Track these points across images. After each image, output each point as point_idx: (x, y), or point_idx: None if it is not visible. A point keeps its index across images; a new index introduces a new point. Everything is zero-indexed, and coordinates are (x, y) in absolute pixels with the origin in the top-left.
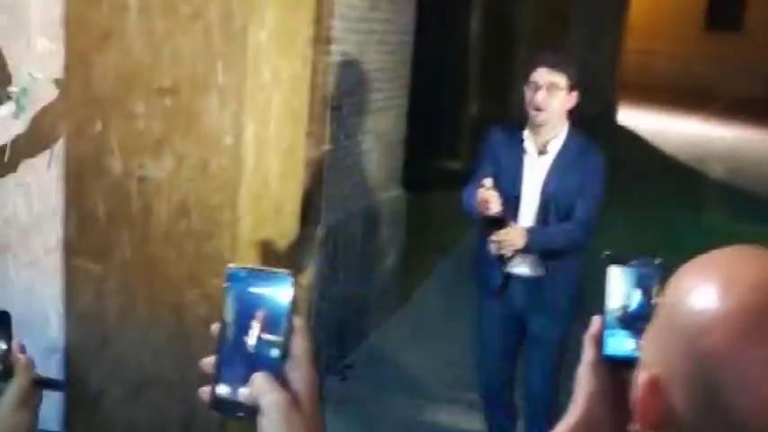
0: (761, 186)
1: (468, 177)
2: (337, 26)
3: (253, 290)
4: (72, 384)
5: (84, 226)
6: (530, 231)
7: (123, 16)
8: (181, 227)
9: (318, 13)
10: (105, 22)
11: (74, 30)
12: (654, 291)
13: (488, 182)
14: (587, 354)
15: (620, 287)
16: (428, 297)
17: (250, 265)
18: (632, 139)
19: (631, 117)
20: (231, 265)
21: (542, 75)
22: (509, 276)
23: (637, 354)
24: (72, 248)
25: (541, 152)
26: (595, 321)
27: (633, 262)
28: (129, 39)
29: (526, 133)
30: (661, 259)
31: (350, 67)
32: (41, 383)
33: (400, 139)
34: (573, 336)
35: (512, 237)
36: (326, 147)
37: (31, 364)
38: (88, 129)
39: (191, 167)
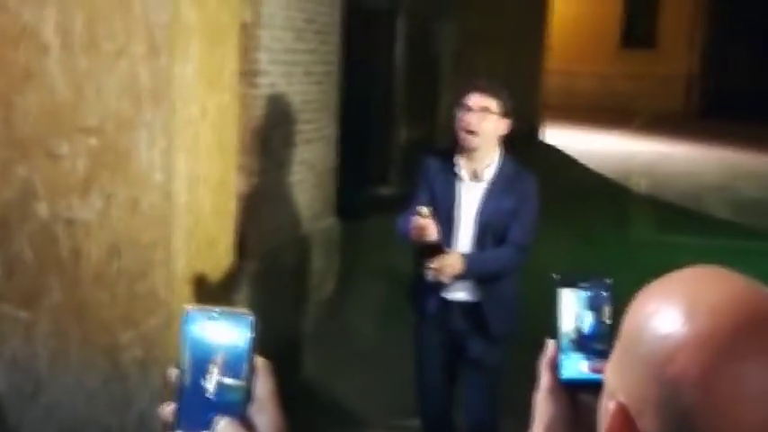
0: (683, 198)
1: (400, 202)
2: (263, 59)
3: (211, 332)
4: None
5: (10, 272)
6: (466, 257)
7: (44, 55)
8: (112, 268)
9: (244, 46)
10: (25, 61)
11: None
12: (606, 311)
13: (425, 210)
14: (544, 379)
15: (571, 309)
16: (365, 324)
17: (208, 307)
18: (557, 157)
19: (555, 136)
20: (188, 307)
21: (475, 99)
22: (446, 302)
23: (594, 376)
24: None
25: (475, 178)
26: (550, 346)
27: (583, 284)
28: (50, 78)
29: (459, 159)
30: (611, 279)
31: (277, 99)
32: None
33: (331, 168)
34: (511, 359)
35: (449, 263)
36: (258, 179)
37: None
38: (11, 172)
39: (120, 207)
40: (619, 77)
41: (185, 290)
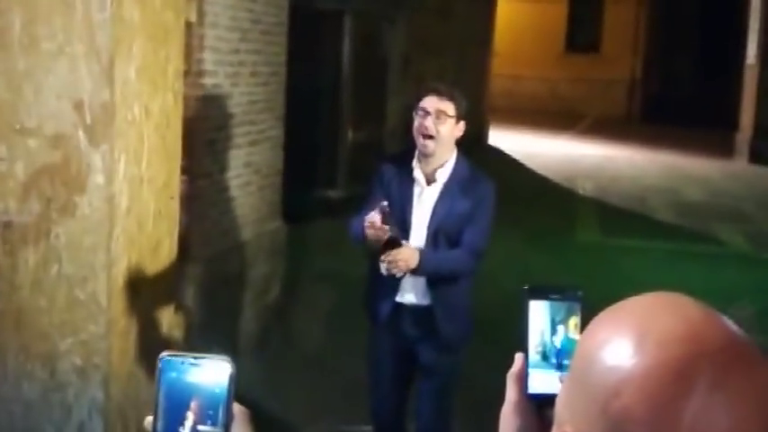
0: (627, 201)
1: (347, 205)
2: (208, 59)
3: (187, 378)
4: None
5: None
6: (421, 252)
7: None
8: (51, 273)
9: (188, 46)
10: None
11: None
12: (573, 324)
13: (385, 204)
14: (510, 393)
15: (540, 322)
16: (311, 329)
17: (183, 353)
18: (503, 161)
19: (502, 139)
20: (164, 354)
21: (432, 102)
22: (399, 306)
23: None
24: None
25: (430, 181)
26: (518, 359)
27: (553, 295)
28: None
29: (415, 162)
30: (581, 292)
31: (222, 100)
32: None
33: (277, 171)
34: (464, 365)
35: (403, 255)
36: (202, 182)
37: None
38: None
39: (60, 210)
40: (563, 81)
41: (127, 295)
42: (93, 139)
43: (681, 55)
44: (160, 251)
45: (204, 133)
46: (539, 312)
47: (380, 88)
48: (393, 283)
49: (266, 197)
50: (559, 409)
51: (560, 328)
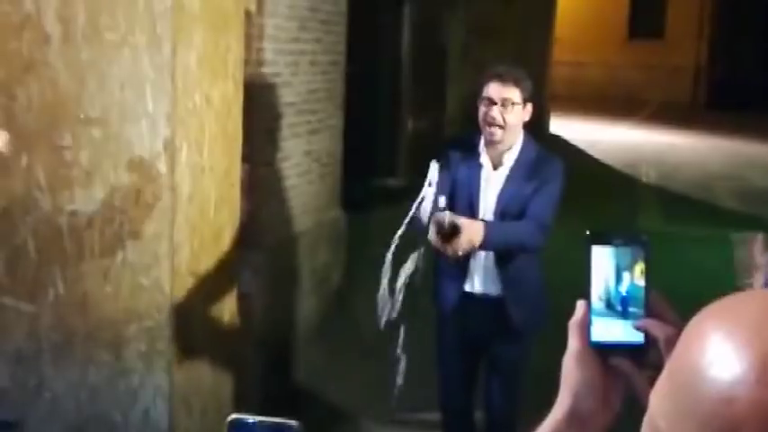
0: (691, 189)
1: (407, 193)
2: (268, 48)
3: None
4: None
5: (13, 264)
6: (487, 225)
7: (45, 46)
8: (116, 261)
9: (247, 35)
10: (27, 52)
11: None
12: (640, 270)
13: (443, 200)
14: (572, 342)
15: (603, 268)
16: (371, 317)
17: (251, 416)
18: (565, 148)
19: (563, 128)
20: (234, 416)
21: (496, 90)
22: (467, 296)
23: (626, 340)
24: (1, 288)
25: (496, 165)
26: (580, 306)
27: (617, 241)
28: (52, 69)
29: (482, 147)
30: (646, 236)
31: (283, 89)
32: None
33: (337, 160)
34: (533, 352)
35: (467, 234)
36: (263, 170)
37: None
38: (14, 163)
39: (123, 198)
40: (626, 68)
41: (190, 282)
42: (155, 128)
43: (746, 40)
44: (222, 239)
45: (264, 122)
46: (602, 258)
47: (440, 76)
48: (461, 273)
49: (326, 186)
50: (653, 402)
51: (625, 274)
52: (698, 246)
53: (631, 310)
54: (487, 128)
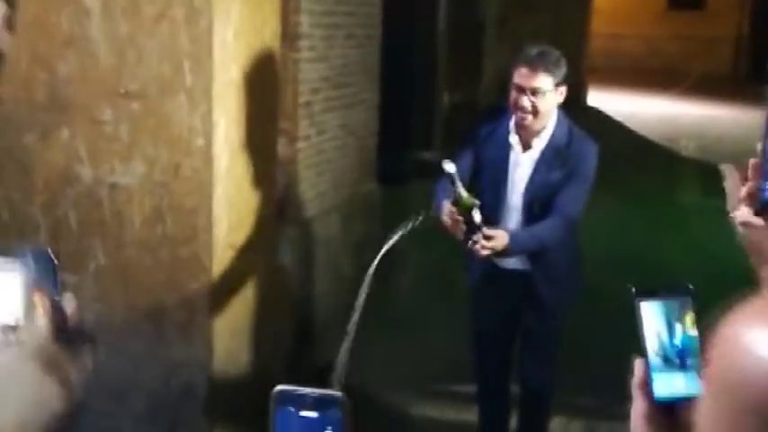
0: (731, 162)
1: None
2: (304, 21)
3: (303, 414)
4: None
5: (56, 235)
6: (512, 235)
7: (85, 20)
8: (156, 232)
9: (284, 8)
10: (67, 26)
11: (34, 36)
12: (690, 320)
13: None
14: (637, 404)
15: (654, 323)
16: (408, 291)
17: (297, 388)
18: (602, 121)
19: (601, 100)
20: (280, 387)
21: (525, 78)
22: (497, 270)
23: (690, 392)
24: None
25: (526, 147)
26: (638, 366)
27: (663, 293)
28: (92, 43)
29: (512, 126)
30: (691, 285)
31: (318, 63)
32: (68, 334)
33: (372, 133)
34: (570, 322)
35: (493, 243)
36: (299, 144)
37: (54, 306)
38: (55, 136)
39: (162, 171)
40: (666, 39)
41: (227, 256)
42: (193, 102)
43: None
44: (259, 212)
45: (300, 96)
46: (650, 312)
47: (476, 49)
48: None
49: (362, 159)
50: (699, 425)
51: (677, 326)
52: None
53: (689, 361)
54: (518, 112)
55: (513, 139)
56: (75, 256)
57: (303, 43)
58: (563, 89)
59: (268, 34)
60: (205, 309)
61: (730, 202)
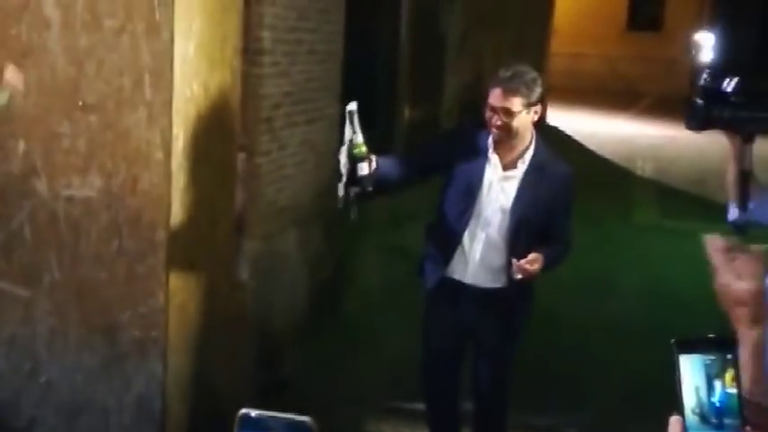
0: (687, 183)
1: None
2: (266, 37)
3: None
4: (1, 412)
5: (9, 248)
6: (545, 258)
7: (44, 32)
8: (112, 247)
9: (246, 24)
10: (25, 38)
11: None
12: (730, 377)
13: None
14: None
15: (694, 378)
16: (367, 305)
17: (262, 412)
18: (562, 140)
19: (561, 119)
20: (244, 411)
21: (497, 98)
22: (455, 283)
23: None
24: None
25: (508, 167)
26: (674, 424)
27: (703, 346)
28: (51, 55)
29: (490, 143)
30: (732, 339)
31: (280, 78)
32: None
33: (333, 149)
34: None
35: (536, 266)
36: (259, 159)
37: None
38: (11, 148)
39: (120, 185)
40: (625, 60)
41: (185, 271)
42: (153, 116)
43: (745, 32)
44: (218, 228)
45: (262, 111)
46: (690, 367)
47: (438, 65)
48: (444, 260)
49: (322, 175)
50: None
51: (716, 382)
52: (692, 240)
53: (726, 421)
54: (493, 130)
55: (494, 157)
56: (29, 269)
57: (265, 59)
58: (537, 109)
59: (229, 49)
60: (161, 325)
61: (714, 270)
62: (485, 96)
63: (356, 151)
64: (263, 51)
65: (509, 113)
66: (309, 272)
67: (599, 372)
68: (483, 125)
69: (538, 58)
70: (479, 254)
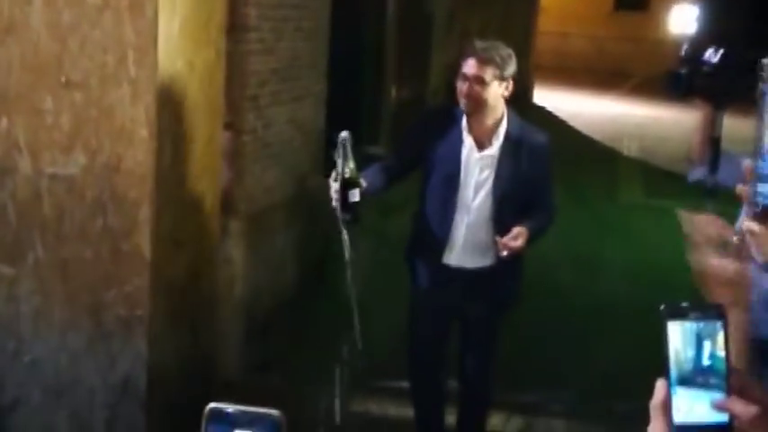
0: (672, 163)
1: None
2: (252, 13)
3: None
4: None
5: None
6: (528, 229)
7: (26, 8)
8: (96, 225)
9: (231, 0)
10: (7, 14)
11: None
12: (719, 341)
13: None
14: (655, 425)
15: (681, 344)
16: (354, 285)
17: (231, 405)
18: (548, 119)
19: (547, 98)
20: (212, 405)
21: (471, 66)
22: (444, 267)
23: (712, 419)
24: None
25: (483, 146)
26: (659, 387)
27: (693, 313)
28: (33, 31)
29: (464, 125)
30: (723, 307)
31: (266, 56)
32: None
33: (320, 128)
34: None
35: (519, 242)
36: (245, 137)
37: None
38: None
39: (104, 163)
40: (611, 40)
41: (170, 249)
42: (137, 93)
43: (733, 15)
44: (203, 206)
45: (247, 89)
46: (678, 333)
47: (425, 44)
48: (439, 246)
49: (308, 153)
50: None
51: (705, 345)
52: (676, 218)
53: (713, 381)
54: (463, 100)
55: (468, 139)
56: (13, 247)
57: (251, 35)
58: (509, 84)
59: (215, 26)
60: (146, 303)
61: (690, 246)
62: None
63: (348, 178)
64: (249, 28)
65: (481, 82)
66: (296, 250)
67: (584, 349)
68: (449, 106)
69: (524, 37)
70: (463, 236)
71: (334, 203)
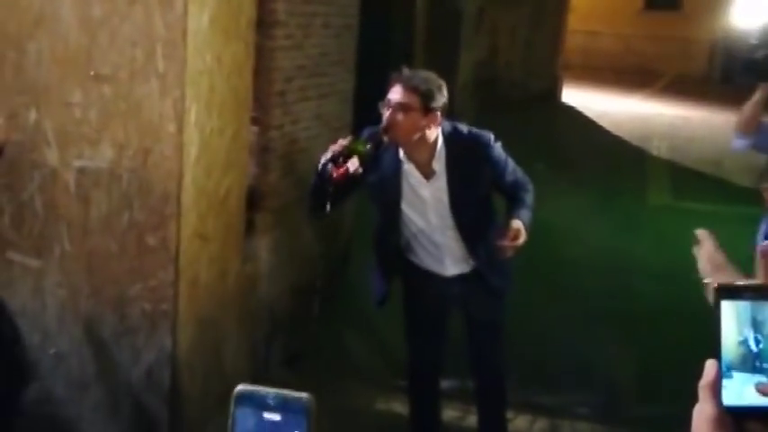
0: (702, 164)
1: None
2: (281, 9)
3: (264, 414)
4: None
5: (20, 219)
6: (523, 221)
7: (56, 1)
8: (123, 219)
9: None
10: (37, 7)
11: (4, 14)
12: None
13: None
14: (705, 408)
15: (734, 324)
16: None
17: (260, 388)
18: (576, 118)
19: (576, 97)
20: (241, 387)
21: (395, 92)
22: (440, 277)
23: (763, 403)
24: (8, 243)
25: (427, 176)
26: (710, 367)
27: (748, 293)
28: (63, 24)
29: (402, 156)
30: None
31: (294, 51)
32: None
33: (347, 124)
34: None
35: (520, 239)
36: (272, 133)
37: None
38: (23, 117)
39: (131, 157)
40: (641, 39)
41: (195, 244)
42: (165, 88)
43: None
44: (229, 201)
45: (275, 84)
46: (731, 313)
47: (453, 43)
48: (433, 263)
49: None
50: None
51: (763, 327)
52: (705, 221)
53: (765, 365)
54: (384, 125)
55: (409, 167)
56: (39, 240)
57: (279, 31)
58: (435, 116)
59: (244, 21)
60: (171, 298)
61: (701, 267)
62: (498, 74)
63: (359, 146)
64: (277, 24)
65: (403, 109)
66: (322, 245)
67: (611, 352)
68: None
69: (554, 35)
70: (449, 253)
71: (328, 155)
